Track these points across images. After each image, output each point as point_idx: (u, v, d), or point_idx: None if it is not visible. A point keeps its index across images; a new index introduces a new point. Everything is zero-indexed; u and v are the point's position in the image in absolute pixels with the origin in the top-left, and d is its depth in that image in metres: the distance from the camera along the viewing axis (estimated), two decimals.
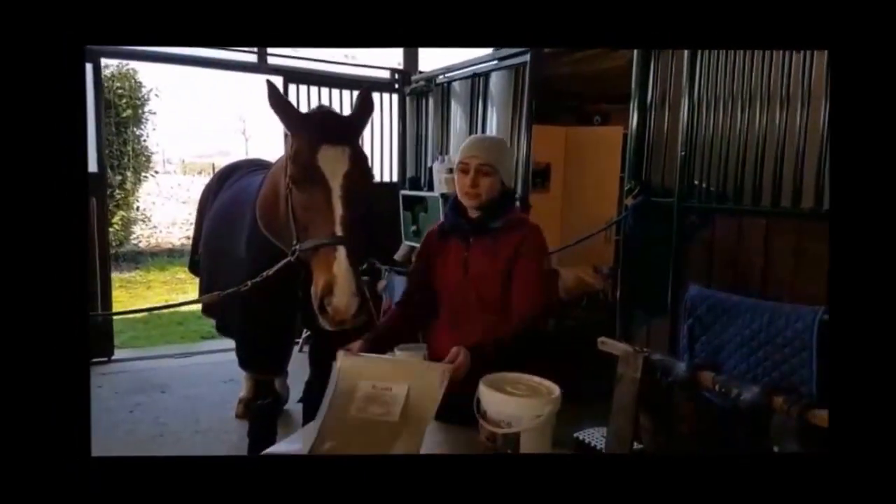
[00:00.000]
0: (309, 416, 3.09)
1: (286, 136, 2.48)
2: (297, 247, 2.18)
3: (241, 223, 2.85)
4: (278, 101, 2.20)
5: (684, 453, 2.96)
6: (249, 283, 2.50)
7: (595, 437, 3.26)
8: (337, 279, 2.02)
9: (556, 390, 1.95)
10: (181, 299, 9.30)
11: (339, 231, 2.07)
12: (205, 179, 13.94)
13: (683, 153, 3.37)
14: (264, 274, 2.45)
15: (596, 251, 5.47)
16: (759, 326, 2.86)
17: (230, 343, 5.91)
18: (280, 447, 2.23)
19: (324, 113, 2.31)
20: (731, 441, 3.06)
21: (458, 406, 1.93)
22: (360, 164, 2.20)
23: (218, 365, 5.46)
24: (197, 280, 4.28)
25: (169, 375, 5.01)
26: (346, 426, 1.84)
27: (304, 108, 5.46)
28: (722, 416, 3.03)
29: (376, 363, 2.00)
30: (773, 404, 2.58)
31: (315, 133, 2.15)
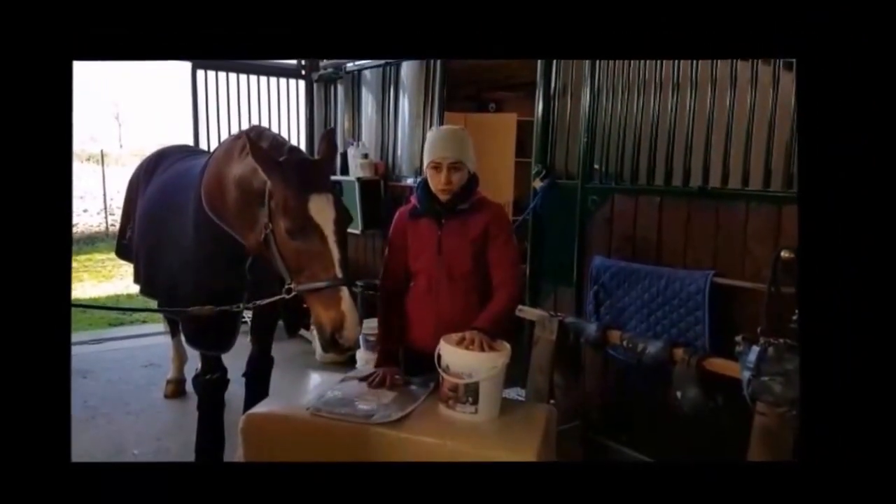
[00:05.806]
0: (252, 389, 3.25)
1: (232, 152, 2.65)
2: (296, 287, 2.34)
3: (185, 208, 2.92)
4: (258, 152, 2.34)
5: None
6: (241, 305, 2.67)
7: (510, 396, 3.52)
8: (346, 316, 2.23)
9: (506, 345, 2.27)
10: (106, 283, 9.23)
11: (339, 273, 2.26)
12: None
13: (585, 140, 3.72)
14: (256, 303, 2.65)
15: None
16: (657, 290, 3.19)
17: (140, 329, 5.97)
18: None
19: (301, 160, 2.42)
20: (635, 391, 3.46)
21: (423, 362, 2.37)
22: (341, 207, 2.39)
23: (135, 350, 5.50)
24: (123, 263, 4.30)
25: (87, 361, 4.98)
26: None
27: (215, 98, 5.57)
28: (627, 369, 3.41)
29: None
30: (674, 356, 3.00)
31: (300, 183, 2.30)
